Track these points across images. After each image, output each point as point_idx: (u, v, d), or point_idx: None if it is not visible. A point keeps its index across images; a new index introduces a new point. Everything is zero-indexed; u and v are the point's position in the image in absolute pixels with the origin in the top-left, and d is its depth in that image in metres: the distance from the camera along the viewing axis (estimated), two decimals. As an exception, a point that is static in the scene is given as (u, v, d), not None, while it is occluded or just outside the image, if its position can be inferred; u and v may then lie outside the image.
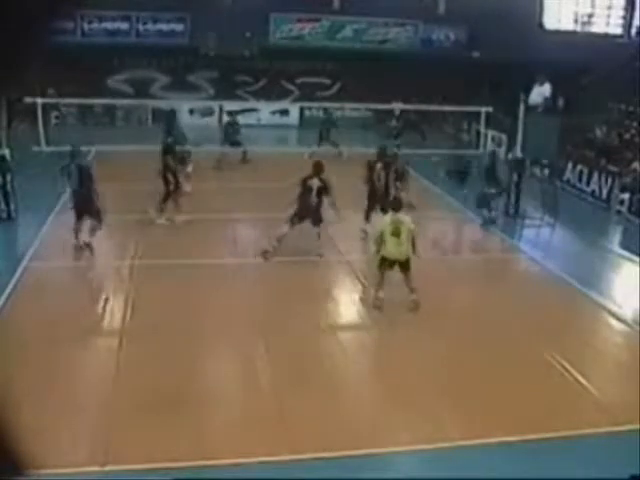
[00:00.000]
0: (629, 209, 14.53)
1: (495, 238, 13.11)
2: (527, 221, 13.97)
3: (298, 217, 10.82)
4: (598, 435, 6.35)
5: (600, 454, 6.02)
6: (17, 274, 9.85)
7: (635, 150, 16.23)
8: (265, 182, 15.32)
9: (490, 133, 21.14)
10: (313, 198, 10.76)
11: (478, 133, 22.03)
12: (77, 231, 11.00)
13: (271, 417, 6.47)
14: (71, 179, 11.21)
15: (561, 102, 18.69)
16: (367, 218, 12.08)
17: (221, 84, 25.69)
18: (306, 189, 10.79)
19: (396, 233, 8.81)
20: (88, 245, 10.81)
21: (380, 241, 8.90)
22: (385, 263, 8.94)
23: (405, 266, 8.94)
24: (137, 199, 13.13)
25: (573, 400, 7.00)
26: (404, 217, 9.00)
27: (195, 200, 13.29)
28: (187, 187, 13.30)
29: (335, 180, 11.13)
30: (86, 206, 10.87)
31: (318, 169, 10.88)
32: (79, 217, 10.97)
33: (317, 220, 10.95)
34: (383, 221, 9.17)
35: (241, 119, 20.63)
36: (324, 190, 10.85)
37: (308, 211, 10.81)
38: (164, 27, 24.35)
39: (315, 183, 10.79)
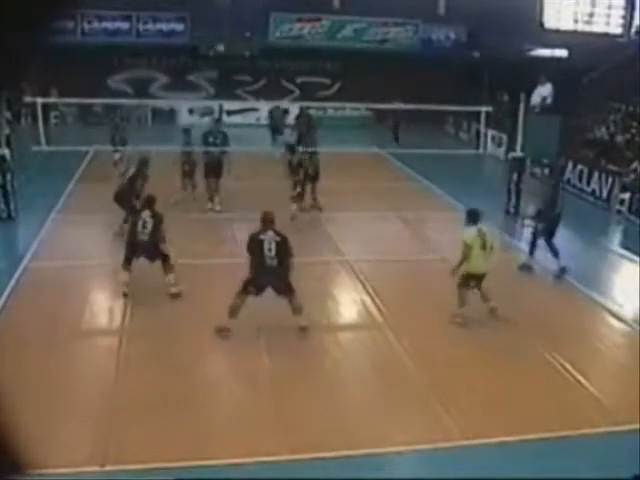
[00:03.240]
0: (629, 209, 14.53)
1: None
2: (527, 220, 13.96)
3: (255, 286, 8.08)
4: (598, 435, 6.35)
5: (600, 454, 6.03)
6: (17, 274, 9.86)
7: (635, 150, 16.23)
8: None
9: (490, 133, 21.14)
10: (271, 260, 8.01)
11: (478, 133, 22.02)
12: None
13: (271, 417, 6.48)
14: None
15: (559, 101, 18.68)
16: None
17: (221, 84, 25.70)
18: (258, 248, 8.02)
19: (483, 246, 8.48)
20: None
21: (467, 255, 8.44)
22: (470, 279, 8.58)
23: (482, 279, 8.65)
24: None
25: (573, 400, 7.00)
26: (485, 227, 8.72)
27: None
28: None
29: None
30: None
31: (268, 220, 8.12)
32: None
33: (285, 288, 8.13)
34: (470, 234, 8.55)
35: (241, 118, 20.68)
36: (284, 248, 8.05)
37: (267, 277, 8.08)
38: (164, 27, 24.35)
39: (270, 238, 8.04)
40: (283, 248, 8.03)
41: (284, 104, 21.30)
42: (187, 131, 14.53)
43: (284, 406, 6.68)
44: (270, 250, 7.97)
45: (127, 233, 9.58)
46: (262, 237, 8.02)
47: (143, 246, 9.18)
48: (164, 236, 9.21)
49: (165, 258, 9.26)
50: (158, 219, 9.22)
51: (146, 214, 9.20)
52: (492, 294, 8.70)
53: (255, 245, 8.05)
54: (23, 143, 15.01)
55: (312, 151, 13.93)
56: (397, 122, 22.91)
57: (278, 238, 8.03)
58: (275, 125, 19.62)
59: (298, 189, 13.20)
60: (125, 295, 9.13)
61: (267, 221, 8.12)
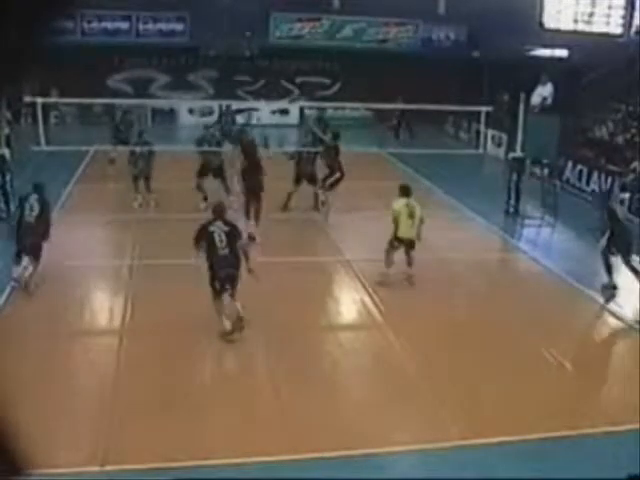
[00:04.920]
0: (629, 209, 14.52)
1: (495, 238, 13.11)
2: (527, 220, 13.98)
3: (218, 281, 8.02)
4: (598, 435, 6.35)
5: (600, 454, 6.02)
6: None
7: (635, 150, 16.22)
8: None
9: (490, 133, 21.15)
10: (223, 250, 7.98)
11: (478, 133, 22.00)
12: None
13: (271, 417, 6.48)
14: None
15: (560, 101, 18.68)
16: None
17: (221, 84, 25.70)
18: (209, 240, 8.01)
19: (411, 215, 9.75)
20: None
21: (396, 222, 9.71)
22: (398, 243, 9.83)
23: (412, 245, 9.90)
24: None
25: (573, 400, 7.00)
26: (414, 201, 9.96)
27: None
28: None
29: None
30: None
31: (220, 211, 8.27)
32: None
33: (234, 281, 8.09)
34: (398, 203, 9.77)
35: (241, 118, 20.64)
36: (234, 236, 8.11)
37: (224, 269, 8.03)
38: (164, 26, 24.33)
39: (220, 229, 8.08)
40: (233, 236, 8.08)
41: (235, 105, 20.92)
42: (118, 129, 14.50)
43: (284, 406, 6.68)
44: (221, 241, 7.99)
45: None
46: (212, 228, 8.06)
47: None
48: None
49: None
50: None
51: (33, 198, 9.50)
52: (492, 293, 8.70)
53: (206, 236, 8.04)
54: (23, 143, 15.01)
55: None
56: (400, 121, 23.00)
57: (227, 228, 8.08)
58: (225, 127, 18.50)
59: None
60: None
61: (217, 212, 8.23)
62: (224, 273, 7.99)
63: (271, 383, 7.15)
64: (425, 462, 6.05)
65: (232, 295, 8.08)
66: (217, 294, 8.05)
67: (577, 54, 20.71)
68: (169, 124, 24.19)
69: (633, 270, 9.53)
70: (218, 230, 8.06)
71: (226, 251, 8.00)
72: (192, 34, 24.12)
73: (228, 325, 8.05)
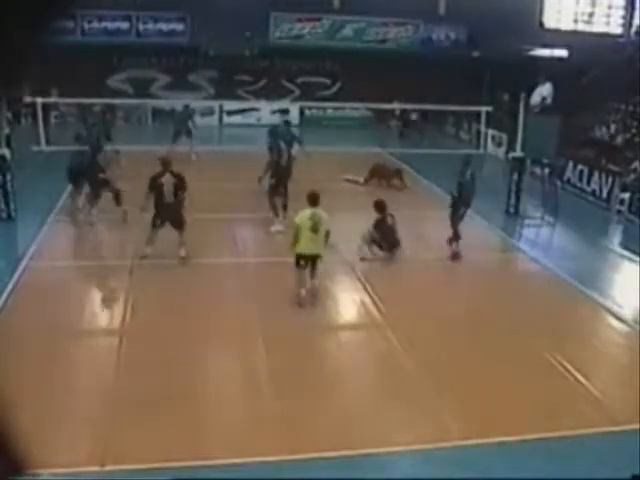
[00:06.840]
0: (629, 209, 14.53)
1: (495, 237, 13.11)
2: (527, 220, 13.98)
3: (159, 219, 10.08)
4: (598, 435, 6.34)
5: (600, 454, 6.02)
6: (17, 274, 9.85)
7: (635, 150, 16.24)
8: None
9: (490, 132, 21.17)
10: (169, 198, 9.96)
11: (478, 132, 22.03)
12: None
13: (271, 417, 6.48)
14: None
15: (559, 101, 18.69)
16: None
17: (221, 84, 25.73)
18: (159, 189, 9.94)
19: (314, 229, 8.61)
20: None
21: (297, 237, 8.64)
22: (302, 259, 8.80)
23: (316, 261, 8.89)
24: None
25: (573, 400, 7.00)
26: (321, 212, 8.80)
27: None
28: None
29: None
30: None
31: (166, 164, 10.10)
32: None
33: (178, 222, 10.13)
34: (302, 215, 8.74)
35: (241, 118, 20.68)
36: (179, 186, 10.02)
37: (166, 212, 10.05)
38: (164, 26, 24.36)
39: (168, 180, 9.98)
40: (178, 186, 9.91)
41: (194, 103, 20.64)
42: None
43: (284, 406, 6.67)
44: (169, 190, 9.89)
45: None
46: (162, 180, 9.88)
47: None
48: None
49: None
50: None
51: None
52: (492, 293, 8.69)
53: (157, 186, 9.89)
54: (23, 143, 15.01)
55: None
56: (406, 121, 23.18)
57: (174, 179, 9.91)
58: (179, 126, 18.53)
59: None
60: None
61: (165, 164, 10.04)
62: (166, 217, 10.00)
63: (271, 383, 7.14)
64: (425, 462, 6.04)
65: (180, 234, 10.12)
66: (155, 227, 10.07)
67: (577, 54, 20.73)
68: (169, 124, 24.17)
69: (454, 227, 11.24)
70: (167, 183, 9.87)
71: (171, 199, 9.93)
72: (192, 34, 24.14)
73: (149, 250, 10.09)
